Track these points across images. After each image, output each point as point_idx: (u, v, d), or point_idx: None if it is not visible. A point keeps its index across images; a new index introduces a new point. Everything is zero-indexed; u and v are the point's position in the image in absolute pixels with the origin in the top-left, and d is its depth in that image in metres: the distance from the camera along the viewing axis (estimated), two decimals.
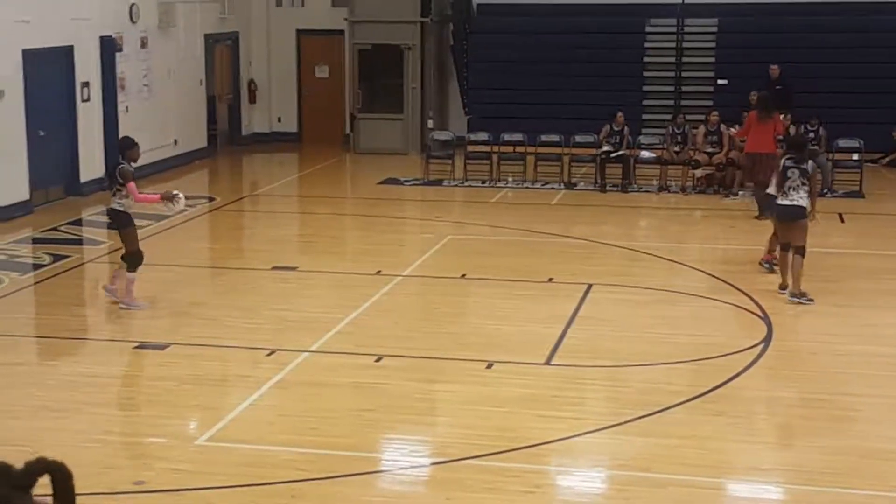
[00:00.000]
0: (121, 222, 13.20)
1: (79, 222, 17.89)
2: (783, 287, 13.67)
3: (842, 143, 21.25)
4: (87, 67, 20.01)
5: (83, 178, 19.86)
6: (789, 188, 13.53)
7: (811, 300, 13.36)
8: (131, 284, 13.16)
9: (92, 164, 20.16)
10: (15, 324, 12.79)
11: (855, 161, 21.11)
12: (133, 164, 13.24)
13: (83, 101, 19.95)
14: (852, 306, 13.50)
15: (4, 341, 12.17)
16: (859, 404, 10.36)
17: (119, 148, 13.40)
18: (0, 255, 15.62)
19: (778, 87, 21.77)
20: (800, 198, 13.51)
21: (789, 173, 13.55)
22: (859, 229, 17.83)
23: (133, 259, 13.20)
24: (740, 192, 20.10)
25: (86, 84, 20.00)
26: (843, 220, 18.18)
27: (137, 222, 17.54)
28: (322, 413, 9.93)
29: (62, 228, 17.39)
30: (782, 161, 13.82)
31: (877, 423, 9.93)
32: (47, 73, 18.91)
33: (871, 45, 23.75)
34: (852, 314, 13.21)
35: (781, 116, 19.37)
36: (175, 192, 13.25)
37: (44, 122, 18.68)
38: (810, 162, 13.72)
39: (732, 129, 20.14)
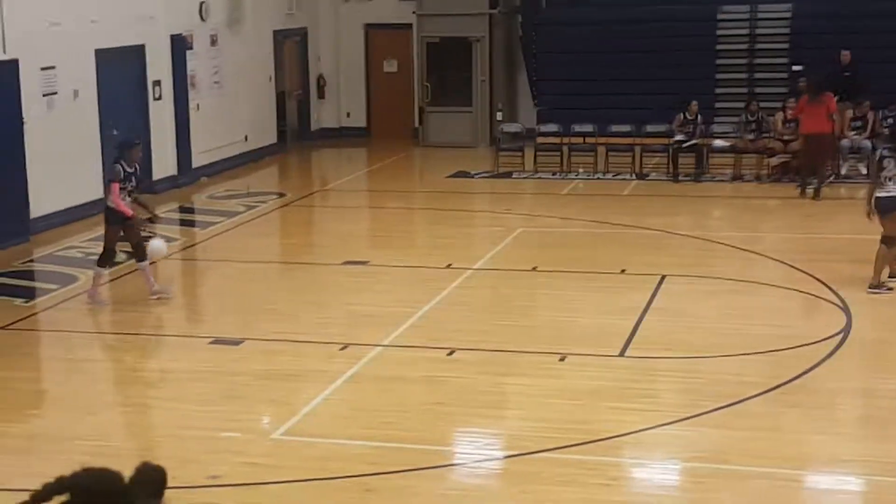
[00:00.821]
0: (108, 219, 13.27)
1: (152, 220, 17.98)
2: (893, 275, 13.46)
3: None
4: (159, 66, 20.18)
5: (155, 175, 20.01)
6: (886, 178, 13.19)
7: (891, 289, 13.15)
8: (99, 279, 13.34)
9: (164, 161, 20.33)
10: (91, 320, 12.91)
11: None
12: (135, 166, 13.19)
13: (155, 99, 20.11)
14: None
15: (81, 338, 12.29)
16: None
17: (118, 147, 13.43)
18: (76, 252, 15.79)
19: (846, 74, 21.45)
20: None
21: (885, 163, 13.20)
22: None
23: (105, 256, 13.33)
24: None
25: (157, 82, 20.15)
26: None
27: (209, 219, 17.81)
28: (395, 407, 9.93)
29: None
30: (878, 151, 13.58)
31: None
32: (119, 72, 19.08)
33: None
34: None
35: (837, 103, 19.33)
36: (152, 236, 13.37)
37: (116, 121, 18.84)
38: None
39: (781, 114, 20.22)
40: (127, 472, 3.88)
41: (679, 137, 20.74)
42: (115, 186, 13.02)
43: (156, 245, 13.55)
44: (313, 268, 15.21)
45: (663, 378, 10.74)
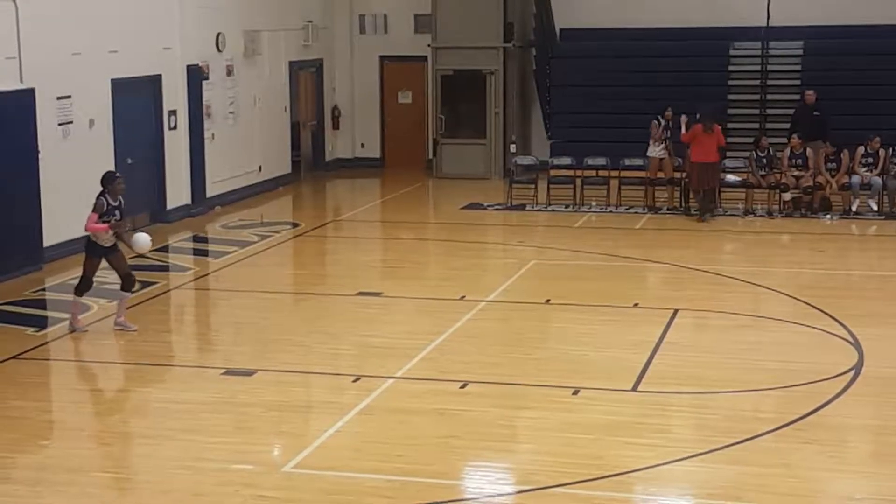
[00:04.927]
0: (87, 250, 13.38)
1: (165, 249, 18.07)
2: None
3: None
4: (175, 96, 20.26)
5: (170, 205, 20.09)
6: None
7: None
8: (75, 307, 13.43)
9: (178, 191, 20.39)
10: (103, 350, 12.91)
11: None
12: (119, 200, 13.27)
13: (170, 129, 20.19)
14: None
15: (93, 368, 12.32)
16: None
17: (101, 181, 13.47)
18: None
19: (815, 114, 21.53)
20: None
21: None
22: None
23: (82, 285, 13.35)
24: (828, 216, 20.05)
25: (173, 112, 20.23)
26: None
27: (223, 248, 17.84)
28: (407, 440, 9.92)
29: (149, 255, 17.50)
30: None
31: None
32: (135, 102, 19.17)
33: None
34: None
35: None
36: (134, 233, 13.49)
37: (132, 151, 18.92)
38: None
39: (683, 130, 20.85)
40: None
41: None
42: (93, 216, 13.11)
43: (141, 238, 13.46)
44: (326, 298, 15.23)
45: (676, 413, 10.72)
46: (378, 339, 13.03)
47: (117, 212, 13.27)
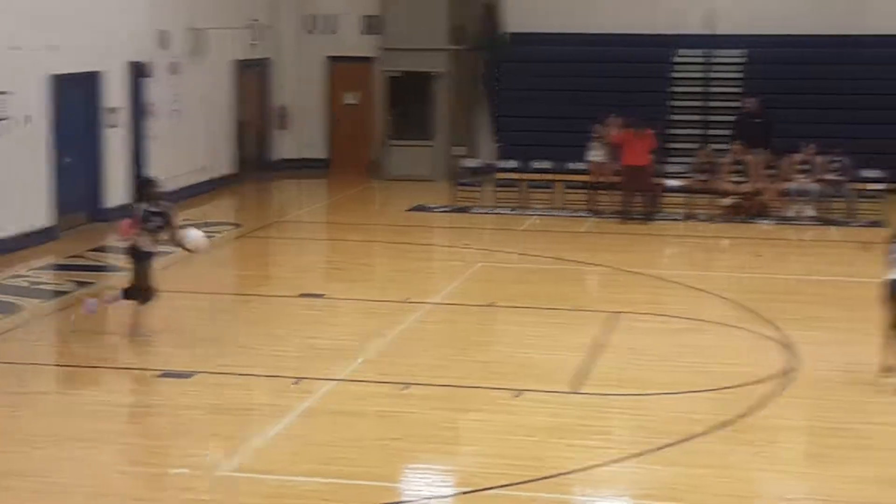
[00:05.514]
0: (131, 256, 13.10)
1: (102, 249, 17.90)
2: (889, 370, 11.58)
3: (865, 173, 21.13)
4: (115, 93, 20.08)
5: (109, 203, 19.88)
6: (894, 261, 11.59)
7: None
8: (137, 315, 13.10)
9: (117, 190, 20.18)
10: (36, 352, 12.75)
11: (878, 190, 20.98)
12: (162, 206, 12.94)
13: (110, 126, 19.99)
14: (877, 335, 13.33)
15: (25, 369, 12.12)
16: (884, 433, 10.25)
17: (137, 187, 13.32)
18: (22, 282, 15.61)
19: (757, 121, 21.75)
20: None
21: (892, 248, 11.64)
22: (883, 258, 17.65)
23: (144, 295, 13.03)
24: (766, 221, 20.25)
25: (113, 110, 20.03)
26: (866, 250, 18.03)
27: (163, 248, 17.67)
28: (349, 442, 9.88)
29: (86, 255, 17.38)
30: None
31: None
32: (74, 98, 18.96)
33: None
34: (877, 343, 13.05)
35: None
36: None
37: (70, 148, 18.71)
38: None
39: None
40: None
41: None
42: (129, 221, 12.86)
43: (192, 234, 13.23)
44: (269, 300, 15.16)
45: (616, 415, 10.77)
46: (321, 341, 12.98)
47: (158, 218, 12.86)
